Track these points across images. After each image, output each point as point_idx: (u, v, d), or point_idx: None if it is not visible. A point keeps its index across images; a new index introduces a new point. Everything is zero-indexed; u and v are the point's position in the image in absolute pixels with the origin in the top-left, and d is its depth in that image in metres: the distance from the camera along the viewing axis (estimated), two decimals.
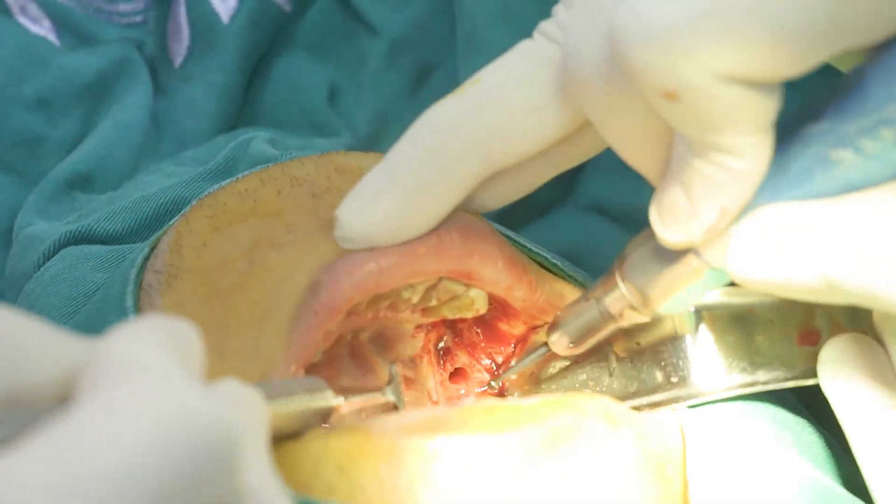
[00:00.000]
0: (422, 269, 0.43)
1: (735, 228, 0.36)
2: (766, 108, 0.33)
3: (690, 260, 0.39)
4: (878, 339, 0.41)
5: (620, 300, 0.42)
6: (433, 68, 0.74)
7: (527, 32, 0.67)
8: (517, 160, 0.42)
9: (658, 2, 0.31)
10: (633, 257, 0.41)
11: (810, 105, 0.36)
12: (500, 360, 0.49)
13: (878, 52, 0.33)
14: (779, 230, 0.35)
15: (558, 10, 0.41)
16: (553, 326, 0.45)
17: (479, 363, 0.49)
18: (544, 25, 0.41)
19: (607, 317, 0.43)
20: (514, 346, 0.49)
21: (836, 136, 0.34)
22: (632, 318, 0.43)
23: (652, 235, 0.40)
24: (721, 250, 0.37)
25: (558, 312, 0.45)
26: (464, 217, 0.44)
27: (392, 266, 0.43)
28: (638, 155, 0.38)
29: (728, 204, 0.35)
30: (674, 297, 0.40)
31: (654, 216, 0.38)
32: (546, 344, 0.46)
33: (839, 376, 0.40)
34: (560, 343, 0.45)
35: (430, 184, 0.42)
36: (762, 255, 0.35)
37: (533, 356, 0.47)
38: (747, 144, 0.33)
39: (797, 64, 0.31)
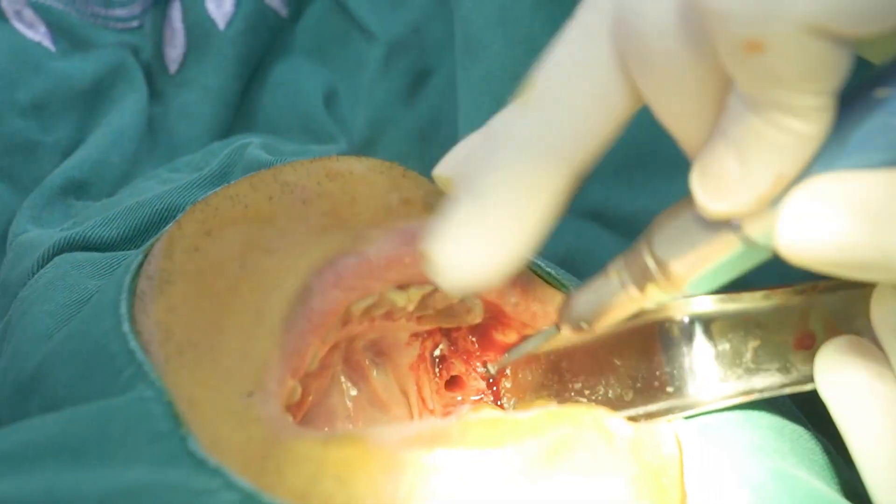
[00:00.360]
0: (412, 273, 0.43)
1: (786, 199, 0.33)
2: (841, 69, 0.32)
3: (728, 234, 0.36)
4: (875, 341, 0.40)
5: (645, 274, 0.38)
6: (430, 73, 0.74)
7: (525, 37, 0.68)
8: (601, 153, 0.38)
9: None
10: (662, 229, 0.38)
11: (874, 73, 0.34)
12: (495, 368, 0.49)
13: None
14: (838, 200, 0.32)
15: None
16: (565, 305, 0.42)
17: (475, 371, 0.49)
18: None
19: (629, 293, 0.39)
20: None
21: None
22: (655, 297, 0.39)
23: (685, 207, 0.38)
24: (765, 224, 0.35)
25: (571, 289, 0.42)
26: None
27: (381, 269, 0.42)
28: (684, 122, 0.36)
29: (785, 170, 0.33)
30: (703, 274, 0.37)
31: (697, 183, 0.35)
32: (556, 324, 0.43)
33: (836, 380, 0.40)
34: (572, 323, 0.42)
35: (522, 207, 0.38)
36: (819, 228, 0.33)
37: (538, 337, 0.45)
38: (815, 106, 0.32)
39: (885, 20, 0.30)
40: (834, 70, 0.32)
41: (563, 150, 0.38)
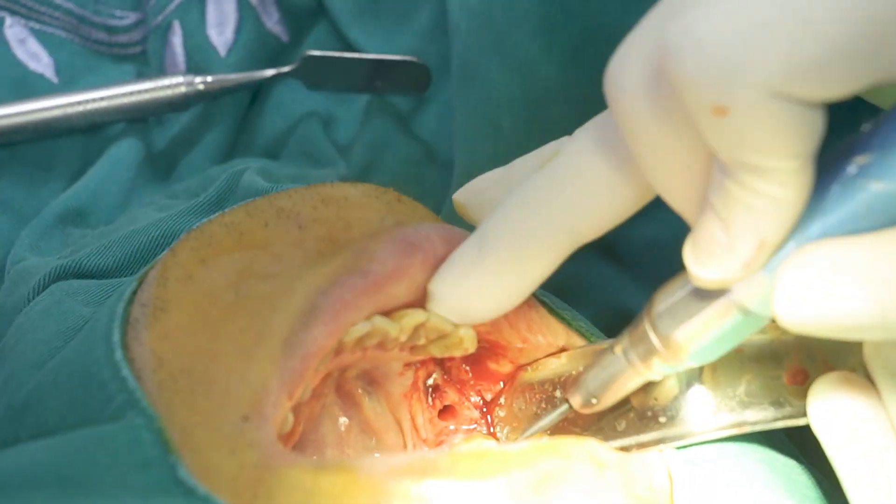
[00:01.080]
0: (419, 283, 0.43)
1: (779, 270, 0.34)
2: (812, 131, 0.32)
3: (725, 303, 0.37)
4: (868, 378, 0.40)
5: (649, 350, 0.40)
6: (427, 99, 0.74)
7: (522, 65, 0.68)
8: (605, 230, 0.42)
9: (712, 17, 0.31)
10: (662, 303, 0.39)
11: (850, 139, 0.35)
12: (489, 397, 0.49)
13: None
14: (829, 269, 0.33)
15: None
16: (575, 382, 0.44)
17: (469, 400, 0.49)
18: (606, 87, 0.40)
19: (636, 369, 0.41)
20: (503, 384, 0.48)
21: (879, 168, 0.33)
22: (661, 370, 0.41)
23: (682, 281, 0.39)
24: (758, 292, 0.36)
25: (580, 368, 0.44)
26: (453, 234, 0.44)
27: (387, 283, 0.43)
28: (676, 189, 0.37)
29: (767, 235, 0.34)
30: (708, 345, 0.39)
31: (689, 254, 0.36)
32: (567, 401, 0.44)
33: (829, 416, 0.40)
34: (582, 400, 0.43)
35: (519, 262, 0.42)
36: (813, 297, 0.33)
37: (555, 415, 0.45)
38: (790, 170, 0.33)
39: (847, 83, 0.31)
40: (804, 132, 0.32)
41: (569, 223, 0.41)
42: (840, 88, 0.31)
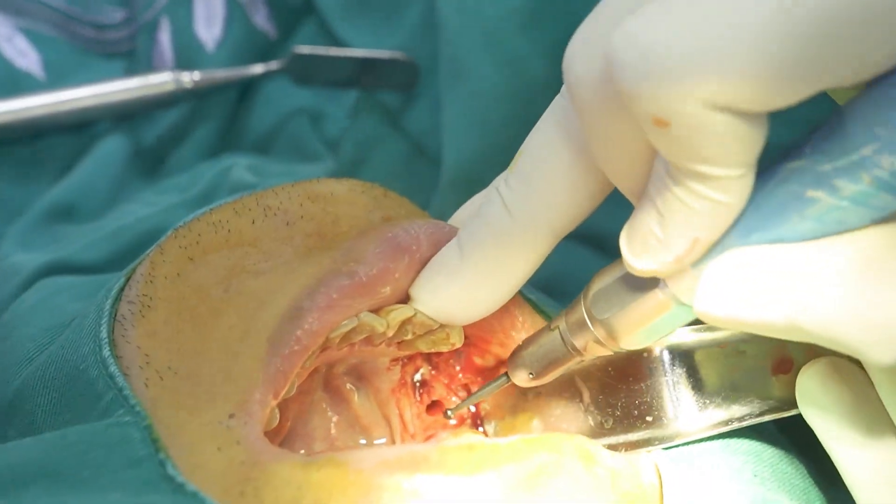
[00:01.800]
0: (403, 286, 0.43)
1: (704, 267, 0.36)
2: (753, 141, 0.33)
3: (657, 293, 0.38)
4: (855, 361, 0.40)
5: (585, 333, 0.41)
6: (416, 94, 0.74)
7: (510, 61, 0.68)
8: (580, 220, 0.42)
9: (653, 29, 0.31)
10: (598, 289, 0.40)
11: (791, 142, 0.35)
12: (475, 390, 0.49)
13: (861, 92, 0.33)
14: (748, 273, 0.35)
15: None
16: (514, 356, 0.44)
17: (456, 395, 0.49)
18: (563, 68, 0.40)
19: (571, 349, 0.42)
20: (483, 379, 0.49)
21: (814, 176, 0.33)
22: (596, 352, 0.42)
23: (619, 266, 0.39)
24: (689, 286, 0.37)
25: (520, 342, 0.45)
26: (441, 235, 0.44)
27: (372, 285, 0.43)
28: (624, 175, 0.38)
29: (701, 235, 0.35)
30: (640, 332, 0.39)
31: (624, 242, 0.37)
32: (506, 374, 0.45)
33: (820, 404, 0.40)
34: (520, 374, 0.44)
35: (500, 264, 0.42)
36: (730, 297, 0.35)
37: (492, 386, 0.46)
38: (732, 177, 0.33)
39: (785, 96, 0.31)
40: (746, 143, 0.32)
41: (541, 218, 0.41)
42: (781, 101, 0.32)
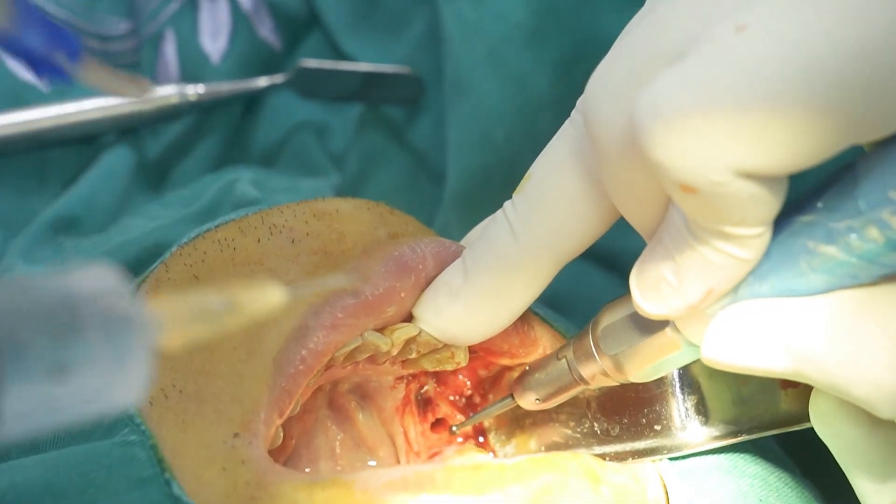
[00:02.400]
0: (408, 306, 0.44)
1: (715, 316, 0.36)
2: (776, 202, 0.33)
3: (667, 333, 0.39)
4: None
5: (592, 365, 0.42)
6: (421, 109, 0.74)
7: (513, 77, 0.68)
8: (585, 247, 0.42)
9: (678, 97, 0.32)
10: (607, 323, 0.41)
11: (800, 197, 0.36)
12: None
13: (874, 148, 0.33)
14: (756, 325, 0.35)
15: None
16: (521, 380, 0.45)
17: (461, 412, 0.49)
18: (580, 101, 0.41)
19: (577, 378, 0.43)
20: (489, 387, 0.49)
21: (824, 231, 0.34)
22: (602, 383, 0.42)
23: (627, 302, 0.40)
24: (699, 329, 0.37)
25: (527, 366, 0.45)
26: (447, 254, 0.44)
27: (378, 305, 0.42)
28: (639, 214, 0.38)
29: (716, 286, 0.35)
30: (647, 369, 0.40)
31: (635, 285, 0.38)
32: (511, 395, 0.45)
33: (836, 426, 0.40)
34: (527, 398, 0.45)
35: (503, 288, 0.42)
36: (738, 347, 0.36)
37: (497, 406, 0.46)
38: (753, 235, 0.34)
39: (812, 157, 0.32)
40: (769, 203, 0.33)
41: (546, 244, 0.41)
42: (805, 163, 0.32)
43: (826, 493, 0.48)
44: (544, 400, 0.44)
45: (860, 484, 0.40)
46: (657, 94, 0.32)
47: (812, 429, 0.41)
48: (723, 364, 0.36)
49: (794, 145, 0.31)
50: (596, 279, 0.66)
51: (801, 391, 0.43)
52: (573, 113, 0.41)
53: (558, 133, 0.41)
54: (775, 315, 0.35)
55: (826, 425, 0.40)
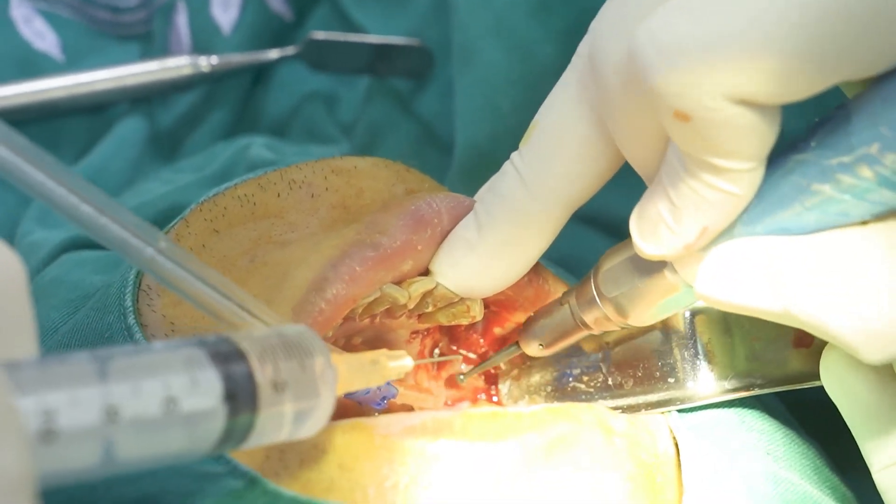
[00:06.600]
0: (425, 259, 0.44)
1: (708, 252, 0.37)
2: (768, 135, 0.34)
3: (665, 275, 0.40)
4: None
5: (594, 309, 0.43)
6: (428, 79, 0.75)
7: (520, 46, 0.69)
8: (594, 191, 0.43)
9: (674, 25, 0.32)
10: (608, 268, 0.42)
11: (795, 136, 0.36)
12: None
13: (867, 88, 0.34)
14: (748, 262, 0.36)
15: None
16: (525, 327, 0.46)
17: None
18: (581, 45, 0.41)
19: (580, 323, 0.44)
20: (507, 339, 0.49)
21: (818, 169, 0.35)
22: (604, 327, 0.43)
23: (628, 247, 0.41)
24: (696, 270, 0.38)
25: (531, 313, 0.46)
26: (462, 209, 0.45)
27: (395, 258, 0.43)
28: (641, 155, 0.39)
29: (711, 224, 0.36)
30: (648, 311, 0.41)
31: (634, 226, 0.38)
32: (517, 343, 0.46)
33: (845, 384, 0.40)
34: (532, 344, 0.46)
35: (516, 237, 0.43)
36: (730, 283, 0.37)
37: (503, 354, 0.47)
38: (745, 170, 0.35)
39: (804, 88, 0.33)
40: (762, 135, 0.34)
41: (556, 189, 0.42)
42: (798, 93, 0.33)
43: (828, 452, 0.49)
44: (548, 346, 0.45)
45: (865, 441, 0.40)
46: (655, 23, 0.33)
47: (816, 393, 0.42)
48: (715, 300, 0.37)
49: (786, 75, 0.32)
50: (597, 244, 0.67)
51: (811, 351, 0.44)
52: (574, 58, 0.41)
53: (560, 80, 0.42)
54: (766, 254, 0.36)
55: (835, 382, 0.41)
